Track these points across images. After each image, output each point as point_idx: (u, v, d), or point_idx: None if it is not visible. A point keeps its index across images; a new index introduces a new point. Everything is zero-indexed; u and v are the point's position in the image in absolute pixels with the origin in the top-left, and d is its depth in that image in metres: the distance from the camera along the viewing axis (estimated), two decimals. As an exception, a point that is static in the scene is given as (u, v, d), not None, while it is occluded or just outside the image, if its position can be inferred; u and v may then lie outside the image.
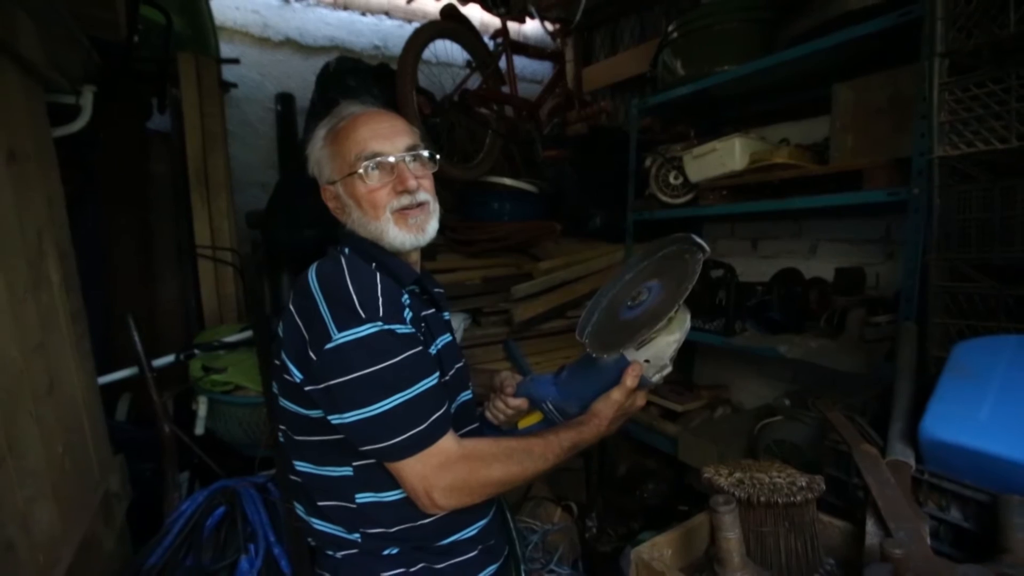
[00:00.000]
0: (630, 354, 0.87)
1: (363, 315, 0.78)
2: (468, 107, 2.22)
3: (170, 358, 1.75)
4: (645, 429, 2.00)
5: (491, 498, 0.90)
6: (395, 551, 0.90)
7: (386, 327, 0.79)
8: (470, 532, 0.95)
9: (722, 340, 1.81)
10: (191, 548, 1.29)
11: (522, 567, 1.12)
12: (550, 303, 2.05)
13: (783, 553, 0.81)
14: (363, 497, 0.88)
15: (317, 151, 0.95)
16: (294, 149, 2.54)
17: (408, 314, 0.84)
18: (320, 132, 0.95)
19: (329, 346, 0.78)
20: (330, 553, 0.94)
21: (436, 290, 1.05)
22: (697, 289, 2.07)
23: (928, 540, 0.74)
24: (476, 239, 2.21)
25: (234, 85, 2.50)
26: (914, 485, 0.84)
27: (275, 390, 0.94)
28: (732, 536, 0.72)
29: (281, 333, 0.89)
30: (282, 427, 0.95)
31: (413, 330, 0.83)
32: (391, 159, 0.89)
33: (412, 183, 0.89)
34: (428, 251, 2.47)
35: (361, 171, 0.88)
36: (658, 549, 0.83)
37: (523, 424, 1.04)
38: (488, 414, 1.07)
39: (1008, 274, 1.04)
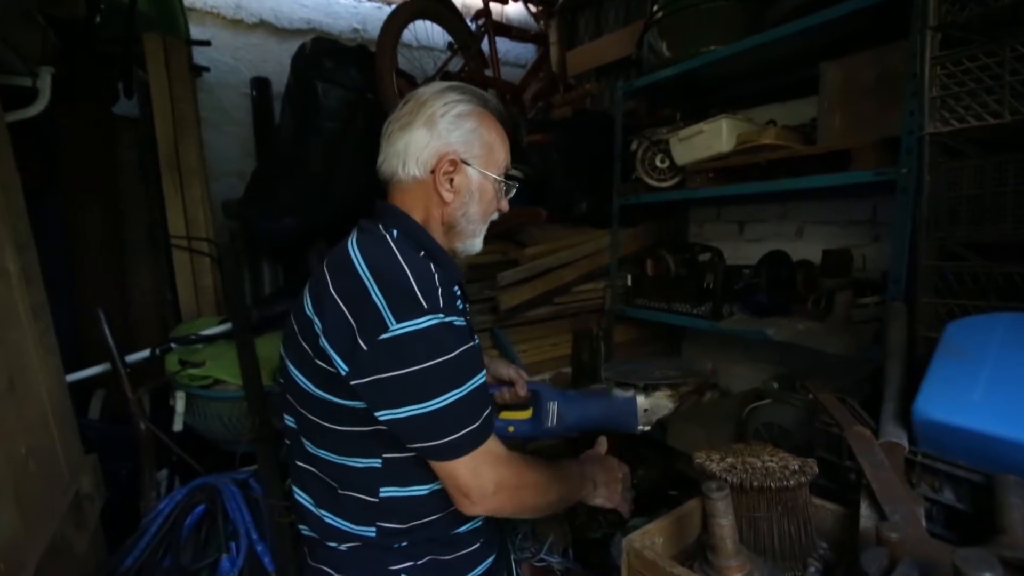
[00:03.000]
0: (639, 398, 1.12)
1: (425, 306, 0.74)
2: (450, 90, 2.16)
3: (145, 353, 1.68)
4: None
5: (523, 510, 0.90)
6: (405, 543, 0.88)
7: (446, 319, 0.76)
8: (476, 523, 0.95)
9: (710, 324, 1.80)
10: (169, 548, 1.25)
11: (512, 557, 1.12)
12: (536, 290, 2.01)
13: (776, 538, 0.80)
14: (387, 491, 0.85)
15: (463, 118, 0.88)
16: (271, 136, 2.46)
17: (460, 304, 0.85)
18: (465, 104, 0.89)
19: (384, 336, 0.73)
20: (333, 545, 0.90)
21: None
22: (684, 274, 2.07)
23: (923, 522, 0.72)
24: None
25: (206, 69, 2.40)
26: (907, 467, 0.83)
27: (298, 375, 0.86)
28: (725, 522, 0.70)
29: (316, 317, 0.80)
30: (302, 411, 0.88)
31: (466, 323, 0.85)
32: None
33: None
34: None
35: (504, 185, 0.95)
36: (649, 537, 0.81)
37: (508, 416, 1.12)
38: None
39: (998, 252, 1.03)
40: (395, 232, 0.84)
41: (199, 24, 2.51)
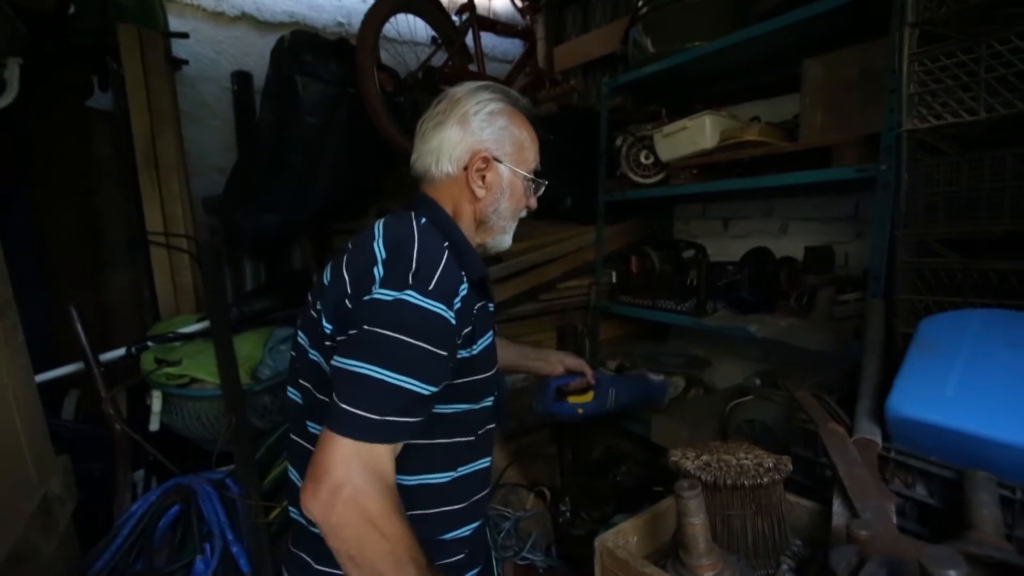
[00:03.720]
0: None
1: (411, 282, 0.74)
2: (433, 85, 2.13)
3: (120, 351, 1.65)
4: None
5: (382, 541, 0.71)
6: None
7: (424, 303, 0.73)
8: (465, 532, 0.90)
9: (693, 321, 1.79)
10: (142, 551, 1.23)
11: (493, 555, 1.09)
12: (520, 287, 2.00)
13: (750, 535, 0.79)
14: None
15: (495, 116, 0.90)
16: (253, 131, 2.42)
17: (458, 304, 0.77)
18: (497, 103, 0.91)
19: (367, 298, 0.75)
20: (316, 531, 0.84)
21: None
22: (668, 270, 2.07)
23: (894, 519, 0.72)
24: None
25: (185, 62, 2.36)
26: (881, 463, 0.83)
27: (302, 337, 0.87)
28: (697, 521, 0.70)
29: (326, 283, 0.83)
30: (303, 381, 0.87)
31: (452, 322, 0.76)
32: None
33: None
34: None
35: (533, 184, 0.96)
36: (624, 536, 0.80)
37: (575, 400, 1.34)
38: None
39: (974, 249, 1.04)
40: (424, 220, 0.84)
41: (179, 16, 2.46)
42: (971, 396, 0.73)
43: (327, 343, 0.79)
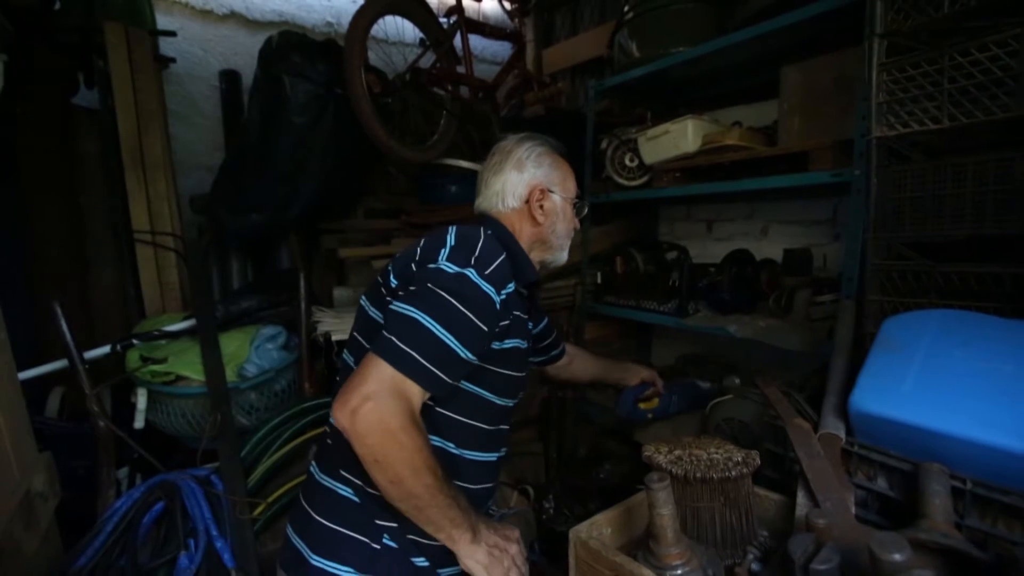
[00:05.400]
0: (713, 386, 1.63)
1: (472, 263, 0.87)
2: (421, 86, 2.15)
3: (105, 349, 1.65)
4: (604, 410, 2.02)
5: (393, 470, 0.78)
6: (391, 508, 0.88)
7: (480, 282, 0.86)
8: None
9: (675, 321, 1.83)
10: (126, 547, 1.24)
11: None
12: (508, 287, 2.03)
13: (718, 527, 0.82)
14: None
15: (542, 157, 1.10)
16: (241, 130, 2.43)
17: (504, 296, 0.90)
18: (541, 147, 1.11)
19: (432, 265, 0.88)
20: (318, 518, 0.92)
21: (536, 301, 1.18)
22: (652, 271, 2.10)
23: (853, 509, 0.76)
24: (433, 223, 2.16)
25: (172, 60, 2.36)
26: (845, 457, 0.86)
27: (364, 302, 1.00)
28: (666, 512, 0.72)
29: (397, 256, 0.97)
30: (360, 339, 0.98)
31: (497, 306, 0.88)
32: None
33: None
34: (383, 236, 2.41)
35: (577, 206, 1.15)
36: (597, 527, 0.83)
37: (645, 406, 1.56)
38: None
39: (939, 252, 1.08)
40: (490, 232, 0.98)
41: (166, 14, 2.45)
42: (927, 393, 0.77)
43: (387, 297, 0.92)
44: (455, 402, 0.92)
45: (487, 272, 0.87)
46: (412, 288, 0.87)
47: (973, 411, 0.72)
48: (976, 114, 0.98)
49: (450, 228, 0.95)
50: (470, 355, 0.84)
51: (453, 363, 0.83)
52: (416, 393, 0.80)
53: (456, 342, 0.82)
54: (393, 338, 0.80)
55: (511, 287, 0.92)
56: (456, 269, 0.86)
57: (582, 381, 1.58)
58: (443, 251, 0.89)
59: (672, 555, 0.73)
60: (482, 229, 0.97)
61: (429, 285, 0.84)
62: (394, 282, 0.93)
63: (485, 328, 0.85)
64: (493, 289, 0.87)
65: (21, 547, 1.05)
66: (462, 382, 0.90)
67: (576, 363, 1.48)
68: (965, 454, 0.73)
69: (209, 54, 2.61)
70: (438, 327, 0.81)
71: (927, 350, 0.81)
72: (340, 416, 0.76)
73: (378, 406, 0.75)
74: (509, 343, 0.95)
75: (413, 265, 0.91)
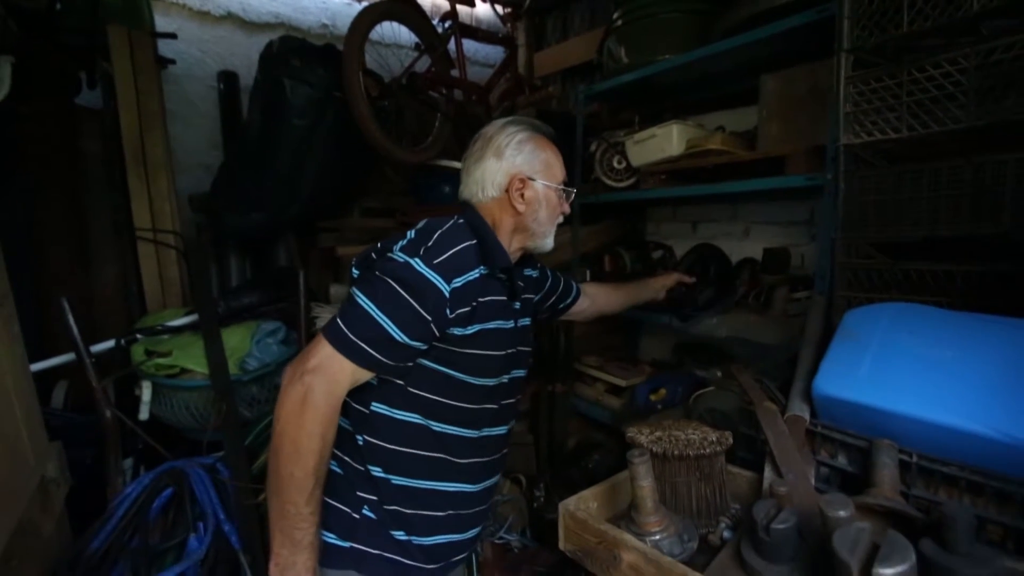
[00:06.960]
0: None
1: (421, 253, 0.92)
2: (417, 90, 2.22)
3: (110, 343, 1.70)
4: (592, 404, 2.10)
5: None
6: (379, 472, 0.96)
7: (425, 271, 0.90)
8: (449, 487, 1.01)
9: (662, 319, 1.91)
10: (137, 530, 1.29)
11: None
12: (500, 284, 2.10)
13: (694, 499, 0.90)
14: (377, 407, 0.98)
15: (523, 144, 1.07)
16: (238, 130, 2.47)
17: (458, 283, 0.92)
18: (523, 132, 1.09)
19: (388, 254, 0.95)
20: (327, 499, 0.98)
21: (520, 283, 1.12)
22: (639, 270, 2.18)
23: (812, 481, 0.84)
24: (428, 222, 2.22)
25: (172, 61, 2.40)
26: (810, 436, 0.95)
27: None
28: (646, 484, 0.80)
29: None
30: None
31: (446, 294, 0.90)
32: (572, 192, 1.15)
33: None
34: (379, 235, 2.47)
35: (564, 193, 1.12)
36: (585, 502, 0.91)
37: (655, 398, 1.69)
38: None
39: (899, 251, 1.17)
40: (461, 220, 1.02)
41: (164, 15, 2.49)
42: (880, 376, 0.85)
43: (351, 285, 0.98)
44: (426, 382, 0.97)
45: (436, 262, 0.91)
46: (366, 274, 0.95)
47: (919, 392, 0.81)
48: (932, 125, 1.07)
49: (422, 221, 1.01)
50: (407, 339, 0.88)
51: (389, 345, 0.88)
52: (347, 369, 0.87)
53: (392, 325, 0.87)
54: (338, 319, 0.89)
55: (473, 275, 0.94)
56: (404, 258, 0.91)
57: (615, 312, 1.60)
58: (401, 242, 0.96)
59: (651, 523, 0.81)
60: (454, 219, 1.01)
61: (377, 272, 0.92)
62: (355, 272, 1.01)
63: (428, 316, 0.89)
64: (441, 278, 0.90)
65: (40, 529, 1.11)
66: (430, 363, 0.96)
67: (600, 299, 1.52)
68: (912, 431, 0.82)
69: (207, 55, 2.65)
70: (375, 310, 0.87)
71: (881, 339, 0.90)
72: (283, 377, 0.87)
73: (310, 380, 0.84)
74: (477, 327, 0.97)
75: (373, 254, 0.99)
